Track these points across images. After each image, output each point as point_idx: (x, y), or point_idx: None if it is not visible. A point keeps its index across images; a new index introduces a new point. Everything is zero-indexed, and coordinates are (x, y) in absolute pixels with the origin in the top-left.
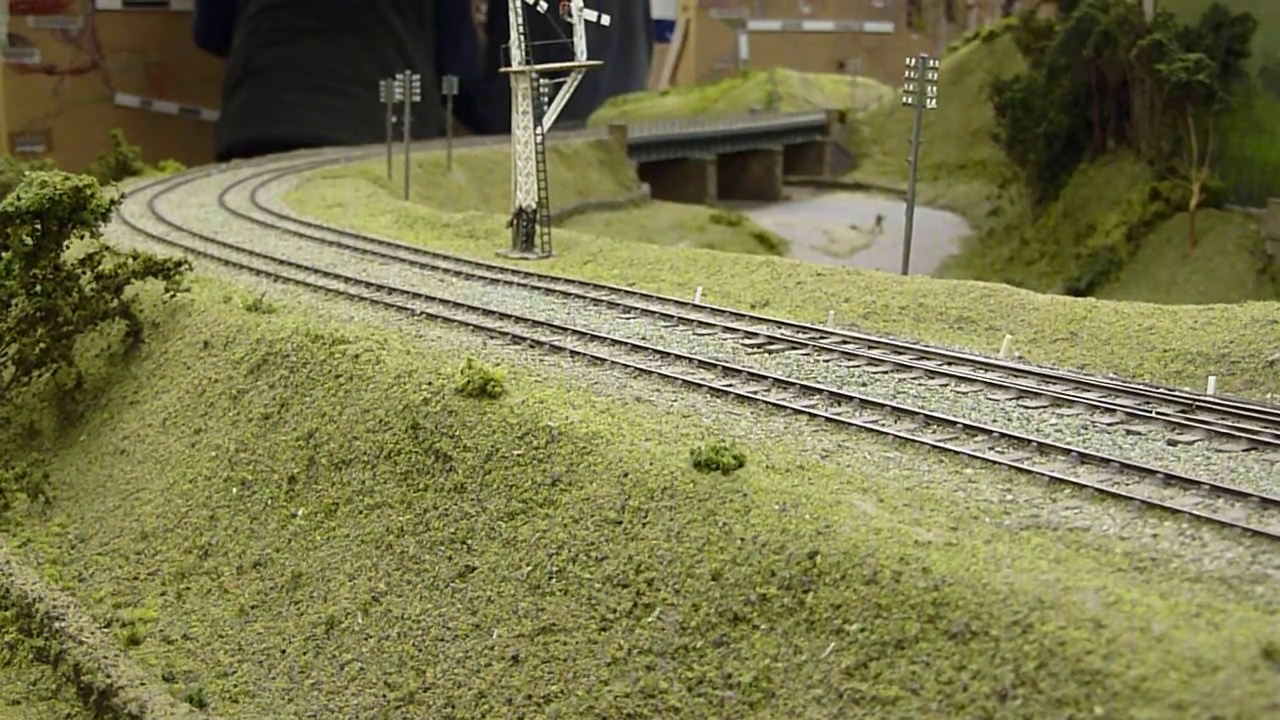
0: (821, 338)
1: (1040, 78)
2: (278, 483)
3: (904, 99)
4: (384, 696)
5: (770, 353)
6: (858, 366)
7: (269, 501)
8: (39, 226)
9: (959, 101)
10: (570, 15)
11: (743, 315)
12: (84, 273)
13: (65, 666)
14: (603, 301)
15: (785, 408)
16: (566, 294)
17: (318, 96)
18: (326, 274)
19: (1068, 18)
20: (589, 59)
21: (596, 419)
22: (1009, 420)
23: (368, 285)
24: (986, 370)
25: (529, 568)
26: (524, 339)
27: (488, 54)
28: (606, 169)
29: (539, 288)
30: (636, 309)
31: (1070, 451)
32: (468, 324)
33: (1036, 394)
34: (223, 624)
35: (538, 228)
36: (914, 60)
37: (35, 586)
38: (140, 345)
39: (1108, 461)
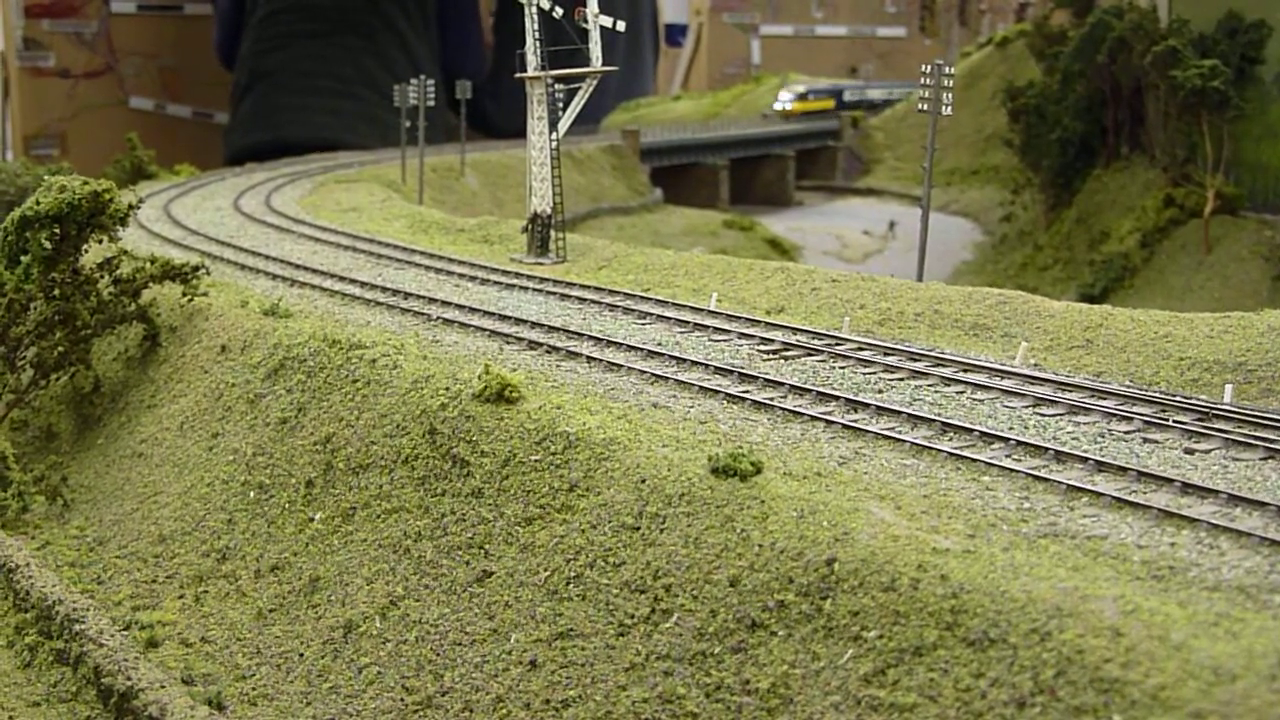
0: (837, 344)
1: (1054, 83)
2: (295, 487)
3: (918, 105)
4: (402, 700)
5: (786, 359)
6: (873, 373)
7: (286, 505)
8: (58, 230)
9: (972, 107)
10: (585, 21)
11: (758, 321)
12: (102, 277)
13: (85, 669)
14: (618, 307)
15: (802, 414)
16: (582, 299)
17: (324, 100)
18: (342, 279)
19: (1082, 23)
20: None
21: (613, 425)
22: (1025, 428)
23: (384, 290)
24: (1002, 377)
25: (546, 573)
26: (540, 344)
27: (494, 55)
28: (619, 174)
29: (554, 293)
30: (652, 314)
31: (1087, 459)
32: (484, 329)
33: (1053, 401)
34: (241, 627)
35: (553, 233)
36: (929, 67)
37: (55, 589)
38: (158, 349)
39: (1125, 469)
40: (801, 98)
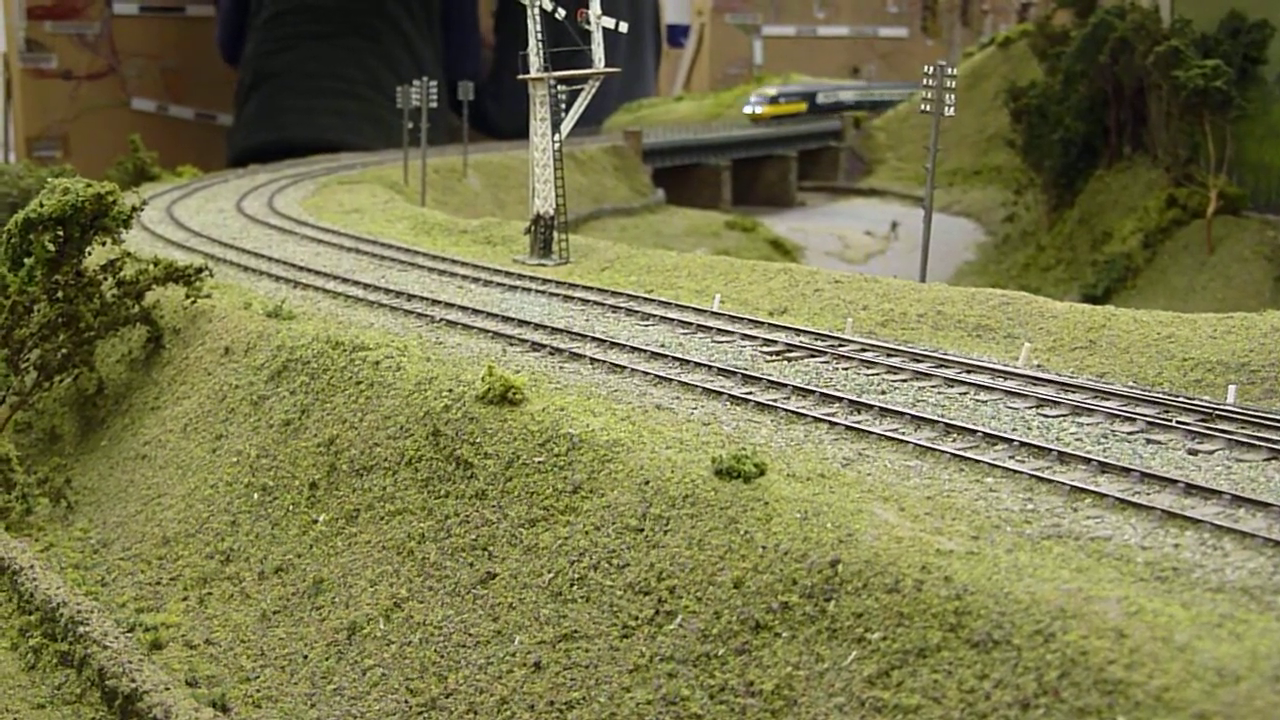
0: (840, 345)
1: (1056, 84)
2: (299, 489)
3: (921, 106)
4: (406, 702)
5: (789, 360)
6: (877, 374)
7: (290, 507)
8: (61, 233)
9: (974, 107)
10: (588, 23)
11: (761, 323)
12: (105, 279)
13: (90, 671)
14: (621, 308)
15: (805, 416)
16: (585, 301)
17: (328, 100)
18: (345, 280)
19: (1084, 24)
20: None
21: (617, 426)
22: (1029, 429)
23: (387, 291)
24: (1005, 378)
25: (550, 575)
26: (543, 346)
27: (495, 55)
28: (621, 175)
29: (557, 294)
30: (655, 316)
31: (1091, 460)
32: (487, 330)
33: (1056, 402)
34: (245, 629)
35: (555, 234)
36: (932, 68)
37: (59, 591)
38: (161, 351)
39: (1128, 470)
40: (772, 101)
